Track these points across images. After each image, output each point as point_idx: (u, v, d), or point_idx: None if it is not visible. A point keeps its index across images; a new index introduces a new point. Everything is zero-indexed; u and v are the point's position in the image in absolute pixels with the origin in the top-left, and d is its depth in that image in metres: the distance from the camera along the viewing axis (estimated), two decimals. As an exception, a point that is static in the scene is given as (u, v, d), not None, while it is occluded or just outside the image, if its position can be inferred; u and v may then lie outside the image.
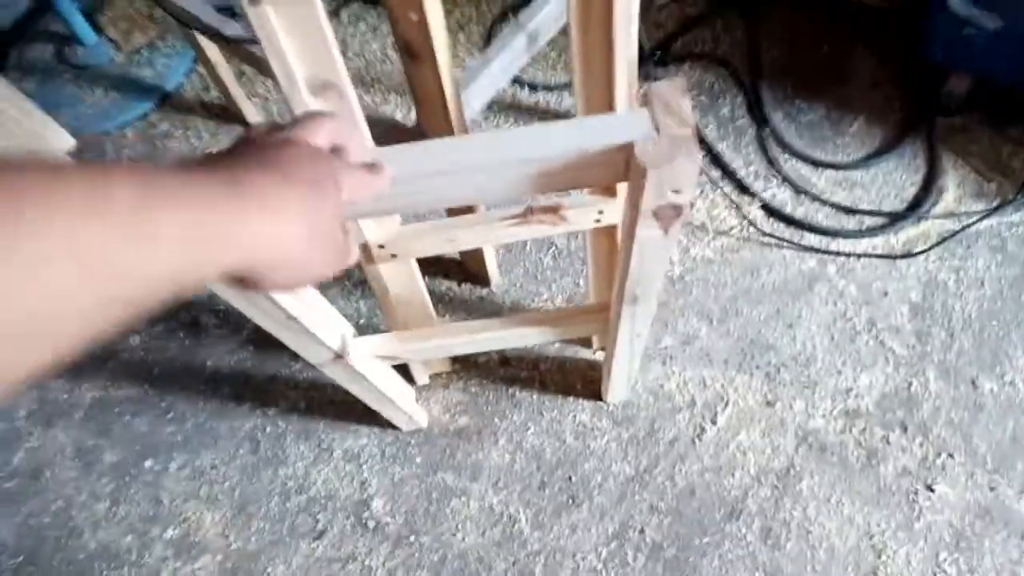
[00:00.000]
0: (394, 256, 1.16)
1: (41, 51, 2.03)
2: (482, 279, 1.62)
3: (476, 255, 1.53)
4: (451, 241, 1.16)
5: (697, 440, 1.43)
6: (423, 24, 0.95)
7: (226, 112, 1.90)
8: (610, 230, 1.21)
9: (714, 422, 1.45)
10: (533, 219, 1.13)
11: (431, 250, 1.18)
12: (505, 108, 1.86)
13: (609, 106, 1.00)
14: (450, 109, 1.10)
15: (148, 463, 1.50)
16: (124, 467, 1.49)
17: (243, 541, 1.41)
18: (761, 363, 1.50)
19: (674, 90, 0.70)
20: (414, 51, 1.02)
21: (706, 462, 1.41)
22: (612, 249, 1.25)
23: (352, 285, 1.65)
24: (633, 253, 0.87)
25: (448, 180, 0.71)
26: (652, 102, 0.69)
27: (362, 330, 1.59)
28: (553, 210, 1.13)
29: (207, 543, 1.41)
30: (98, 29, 2.00)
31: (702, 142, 1.77)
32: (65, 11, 1.88)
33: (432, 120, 1.16)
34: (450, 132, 1.15)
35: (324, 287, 1.63)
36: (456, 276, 1.64)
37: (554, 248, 1.66)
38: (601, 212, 1.14)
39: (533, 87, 1.88)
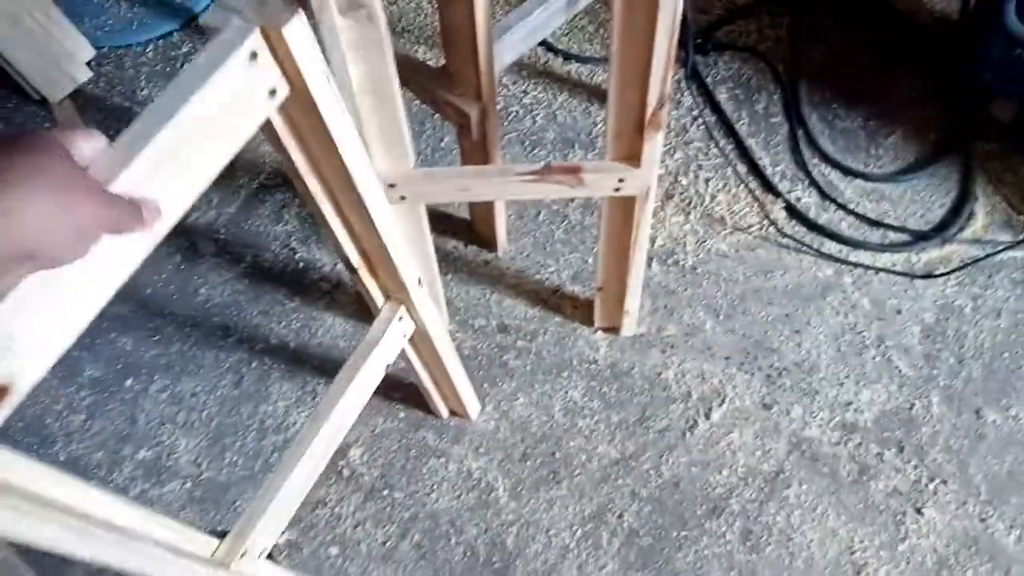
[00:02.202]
0: (403, 199, 1.12)
1: (73, -43, 1.99)
2: (489, 243, 1.58)
3: (487, 216, 1.49)
4: (464, 190, 1.12)
5: (688, 433, 1.40)
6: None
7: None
8: (628, 203, 1.17)
9: (708, 417, 1.41)
10: (551, 178, 1.09)
11: (442, 197, 1.15)
12: (536, 75, 1.81)
13: (644, 82, 0.95)
14: (480, 56, 1.05)
15: (129, 382, 1.47)
16: (104, 383, 1.46)
17: (214, 471, 1.38)
18: (763, 365, 1.46)
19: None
20: (450, -18, 0.97)
21: (694, 456, 1.38)
22: (627, 225, 1.21)
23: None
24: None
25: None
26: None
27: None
28: (573, 171, 1.09)
29: (178, 469, 1.38)
30: (133, -59, 1.96)
31: (732, 134, 1.72)
32: (102, -83, 1.84)
33: (461, 67, 1.12)
34: (478, 81, 1.11)
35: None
36: (463, 236, 1.60)
37: (567, 221, 1.62)
38: (622, 180, 1.10)
39: (567, 56, 1.83)
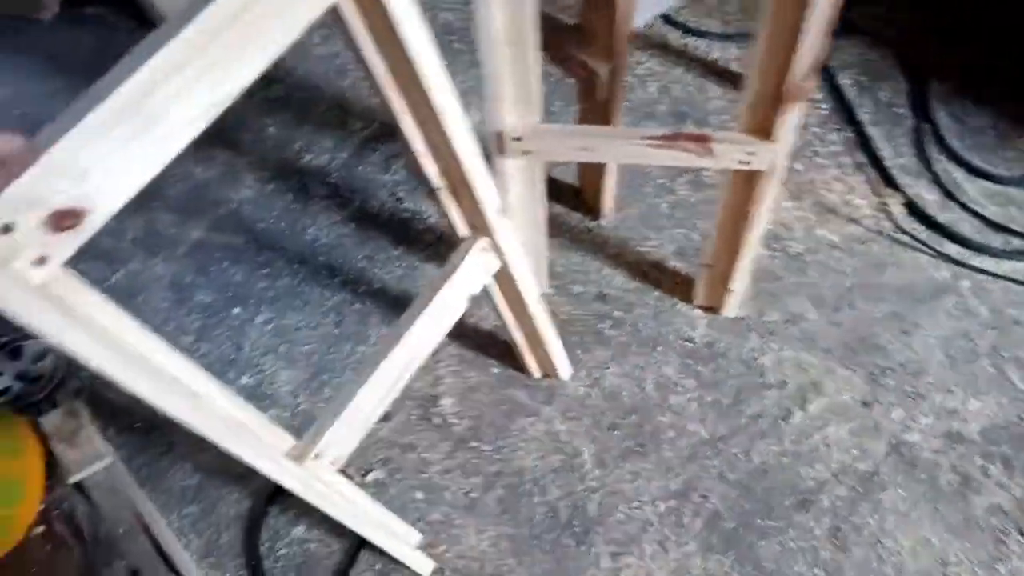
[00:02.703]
0: (526, 153, 1.12)
1: None
2: (594, 210, 1.57)
3: (596, 183, 1.48)
4: (586, 150, 1.11)
5: (782, 422, 1.37)
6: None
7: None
8: (752, 178, 1.14)
9: (803, 409, 1.38)
10: (678, 144, 1.08)
11: (565, 155, 1.14)
12: (652, 46, 1.78)
13: (794, 45, 0.92)
14: (619, 13, 1.04)
15: (236, 310, 1.52)
16: (214, 309, 1.53)
17: (310, 404, 1.43)
18: (866, 362, 1.42)
19: None
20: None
21: (787, 446, 1.35)
22: (747, 201, 1.18)
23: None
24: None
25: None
26: None
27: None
28: (702, 139, 1.07)
29: (278, 398, 1.43)
30: None
31: (853, 122, 1.66)
32: None
33: (597, 23, 1.10)
34: (612, 39, 1.09)
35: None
36: (569, 202, 1.59)
37: (674, 196, 1.59)
38: (751, 153, 1.07)
39: (685, 30, 1.79)
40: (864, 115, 1.66)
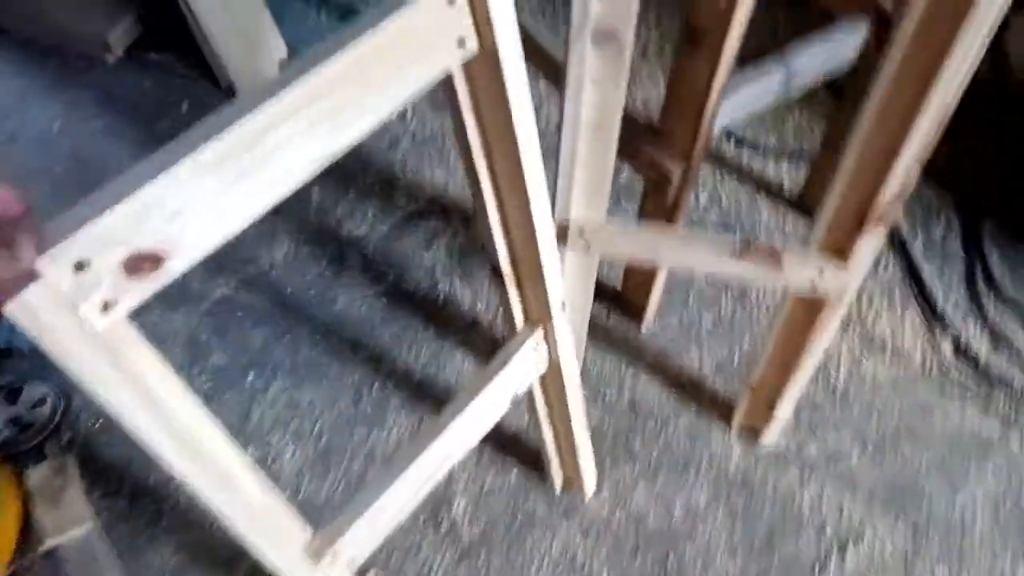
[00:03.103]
0: (587, 247, 1.07)
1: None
2: (635, 315, 1.51)
3: (642, 286, 1.43)
4: (651, 251, 1.07)
5: (819, 569, 1.27)
6: (729, 9, 0.87)
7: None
8: (815, 302, 1.08)
9: (842, 558, 1.28)
10: (748, 256, 1.02)
11: (629, 253, 1.09)
12: (706, 154, 1.76)
13: (885, 168, 0.89)
14: (704, 117, 1.01)
15: (251, 377, 1.45)
16: (227, 372, 1.45)
17: (315, 488, 1.34)
18: (911, 511, 1.33)
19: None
20: (698, 37, 0.93)
21: (820, 596, 1.25)
22: (807, 326, 1.12)
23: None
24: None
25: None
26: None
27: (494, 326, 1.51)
28: (773, 254, 1.02)
29: (280, 477, 1.34)
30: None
31: (904, 255, 1.62)
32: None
33: (677, 124, 1.07)
34: (692, 142, 1.06)
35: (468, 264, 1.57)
36: (608, 303, 1.54)
37: (718, 309, 1.54)
38: (822, 275, 1.02)
39: (739, 142, 1.77)
40: (916, 249, 1.62)
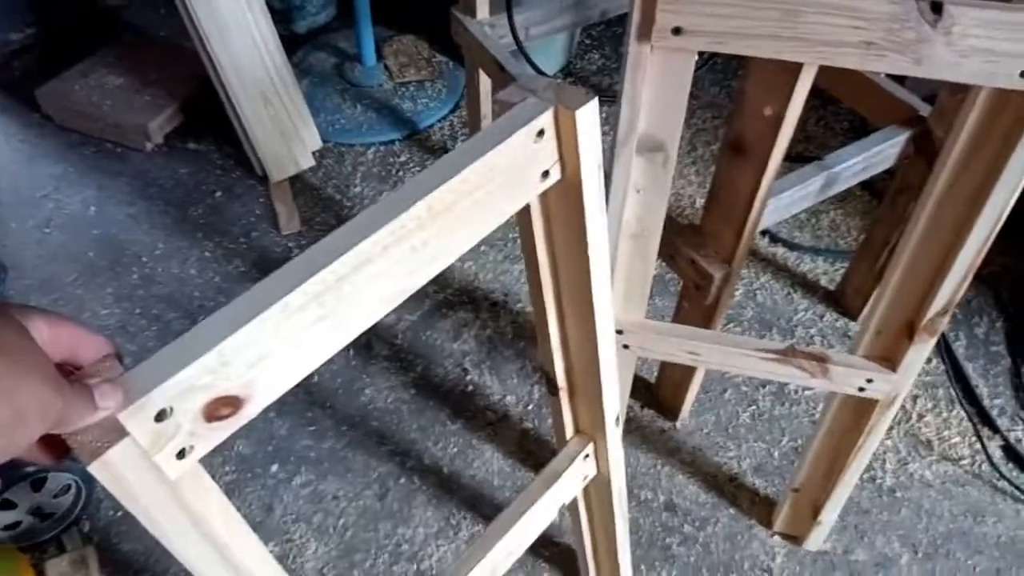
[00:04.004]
0: (625, 347, 1.06)
1: (324, 60, 2.17)
2: (669, 411, 1.47)
3: (679, 384, 1.40)
4: (691, 353, 1.04)
5: None
6: (775, 120, 0.88)
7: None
8: (863, 406, 1.05)
9: (897, 674, 1.20)
10: (792, 361, 1.00)
11: (667, 355, 1.07)
12: (737, 249, 1.76)
13: (933, 283, 0.87)
14: (749, 220, 1.00)
15: (274, 468, 1.41)
16: (252, 463, 1.42)
17: (337, 589, 1.28)
18: (968, 626, 1.25)
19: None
20: (744, 146, 0.94)
21: None
22: (854, 429, 1.09)
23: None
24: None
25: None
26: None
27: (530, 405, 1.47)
28: (819, 359, 0.99)
29: (302, 573, 1.28)
30: (379, 56, 2.11)
31: (948, 355, 1.58)
32: (361, 32, 2.00)
33: (720, 227, 1.06)
34: (734, 245, 1.05)
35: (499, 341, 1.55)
36: (642, 398, 1.50)
37: (755, 407, 1.50)
38: (870, 381, 0.99)
39: (775, 239, 1.77)
40: (958, 348, 1.59)
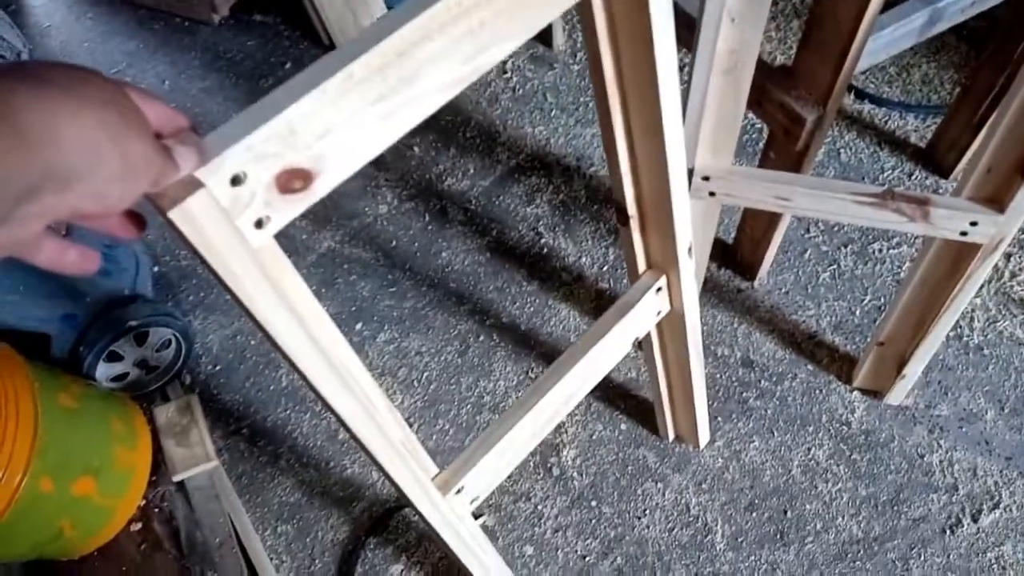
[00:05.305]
0: (712, 195, 1.03)
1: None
2: (749, 270, 1.45)
3: (759, 241, 1.37)
4: (782, 200, 1.01)
5: (949, 532, 1.20)
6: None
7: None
8: (963, 252, 1.01)
9: (975, 520, 1.21)
10: (891, 204, 0.96)
11: (757, 202, 1.04)
12: (821, 108, 1.68)
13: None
14: (849, 56, 0.94)
15: (359, 326, 1.47)
16: (336, 322, 1.46)
17: (424, 435, 1.34)
18: (1052, 477, 1.24)
19: None
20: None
21: (952, 559, 1.18)
22: (951, 277, 1.05)
23: (606, 230, 1.54)
24: None
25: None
26: None
27: (609, 277, 1.48)
28: (921, 201, 0.95)
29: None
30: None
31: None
32: None
33: (817, 65, 1.01)
34: (831, 84, 1.00)
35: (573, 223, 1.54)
36: (719, 258, 1.49)
37: (836, 266, 1.46)
38: (974, 224, 0.95)
39: (861, 95, 1.68)
40: (1057, 203, 1.50)
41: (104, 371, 1.30)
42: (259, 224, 0.48)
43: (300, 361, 0.58)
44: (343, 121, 0.49)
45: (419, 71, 0.50)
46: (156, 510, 1.23)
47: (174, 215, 0.43)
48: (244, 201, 0.46)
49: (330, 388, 0.62)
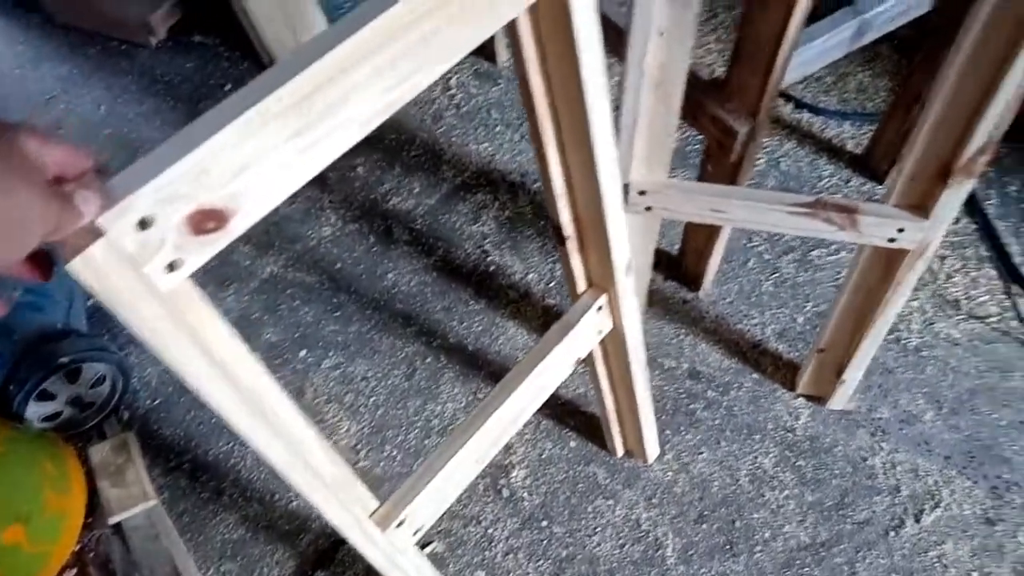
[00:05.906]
0: (648, 209, 1.04)
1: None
2: (693, 281, 1.46)
3: (701, 252, 1.38)
4: (716, 211, 1.02)
5: (893, 533, 1.22)
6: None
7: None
8: (893, 257, 1.03)
9: (918, 520, 1.23)
10: (821, 214, 0.98)
11: (693, 215, 1.05)
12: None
13: (971, 120, 0.83)
14: (774, 70, 0.96)
15: (303, 352, 1.45)
16: (280, 349, 1.45)
17: (372, 462, 1.32)
18: (990, 474, 1.27)
19: None
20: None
21: (896, 560, 1.20)
22: (883, 283, 1.07)
23: (552, 247, 1.54)
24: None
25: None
26: None
27: (551, 293, 1.48)
28: (848, 210, 0.97)
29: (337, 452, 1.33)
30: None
31: (978, 213, 1.54)
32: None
33: (746, 79, 1.02)
34: (759, 97, 1.01)
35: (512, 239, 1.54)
36: (664, 270, 1.50)
37: (778, 274, 1.48)
38: (901, 231, 0.97)
39: (799, 104, 1.71)
40: (989, 207, 1.54)
41: (35, 411, 1.26)
42: (172, 267, 0.47)
43: (221, 410, 0.56)
44: (260, 157, 0.47)
45: (337, 105, 0.49)
46: (91, 554, 1.19)
47: (75, 265, 0.42)
48: (153, 246, 0.45)
49: (257, 437, 0.60)
